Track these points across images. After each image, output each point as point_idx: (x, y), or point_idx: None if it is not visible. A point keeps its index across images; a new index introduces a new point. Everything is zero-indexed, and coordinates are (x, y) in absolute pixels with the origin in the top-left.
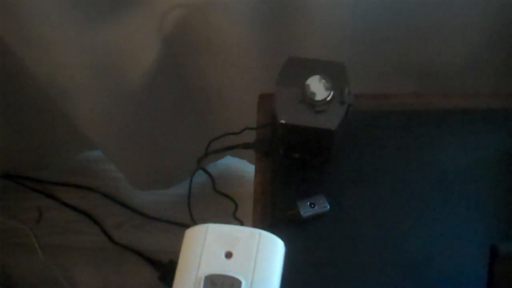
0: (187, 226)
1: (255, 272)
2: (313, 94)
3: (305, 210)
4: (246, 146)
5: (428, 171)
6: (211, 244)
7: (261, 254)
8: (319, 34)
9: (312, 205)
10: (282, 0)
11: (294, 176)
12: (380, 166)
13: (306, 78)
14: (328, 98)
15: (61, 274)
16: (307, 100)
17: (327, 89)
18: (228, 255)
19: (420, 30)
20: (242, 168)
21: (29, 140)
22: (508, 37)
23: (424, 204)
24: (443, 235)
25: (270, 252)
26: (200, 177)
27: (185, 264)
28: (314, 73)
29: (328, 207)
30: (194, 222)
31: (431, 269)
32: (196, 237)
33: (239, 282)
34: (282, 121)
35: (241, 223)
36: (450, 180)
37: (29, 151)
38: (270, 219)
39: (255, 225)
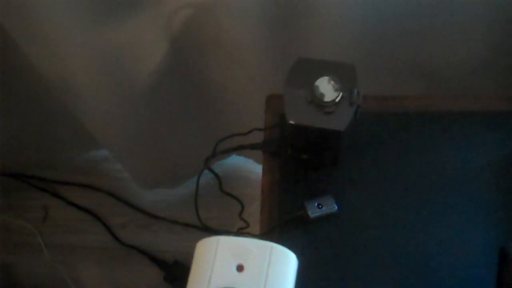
0: (192, 226)
1: (267, 286)
2: (322, 95)
3: (313, 211)
4: (253, 146)
5: (434, 173)
6: (223, 256)
7: (272, 267)
8: (325, 34)
9: (320, 206)
10: (289, 1)
11: (301, 176)
12: (387, 167)
13: (315, 79)
14: (337, 99)
15: (66, 273)
16: (316, 101)
17: (336, 90)
18: (240, 268)
19: (426, 31)
20: (249, 168)
21: (35, 139)
22: None
23: (430, 206)
24: (449, 236)
25: (282, 266)
26: (206, 177)
27: (196, 277)
28: (323, 74)
29: (336, 208)
30: (201, 222)
31: (438, 271)
32: (207, 250)
33: None
34: (291, 122)
35: (247, 224)
36: (456, 182)
37: (35, 150)
38: (278, 220)
39: (262, 226)
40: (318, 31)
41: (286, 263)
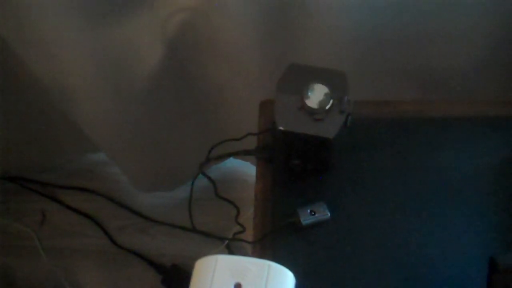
0: (190, 230)
1: None
2: (313, 102)
3: (306, 217)
4: (247, 152)
5: (428, 178)
6: (221, 275)
7: (270, 286)
8: (321, 38)
9: (313, 213)
10: (285, 4)
11: (294, 183)
12: (381, 173)
13: (307, 86)
14: (328, 107)
15: (64, 277)
16: (306, 107)
17: (327, 97)
18: (238, 287)
19: (422, 35)
20: (246, 171)
21: (32, 143)
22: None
23: (424, 212)
24: (443, 242)
25: (280, 284)
26: (203, 181)
27: None
28: (315, 81)
29: (329, 214)
30: (193, 226)
31: (431, 277)
32: (205, 268)
33: None
34: (281, 128)
35: (244, 228)
36: (450, 187)
37: (32, 154)
38: (271, 227)
39: (256, 233)
40: (314, 36)
41: (283, 281)
